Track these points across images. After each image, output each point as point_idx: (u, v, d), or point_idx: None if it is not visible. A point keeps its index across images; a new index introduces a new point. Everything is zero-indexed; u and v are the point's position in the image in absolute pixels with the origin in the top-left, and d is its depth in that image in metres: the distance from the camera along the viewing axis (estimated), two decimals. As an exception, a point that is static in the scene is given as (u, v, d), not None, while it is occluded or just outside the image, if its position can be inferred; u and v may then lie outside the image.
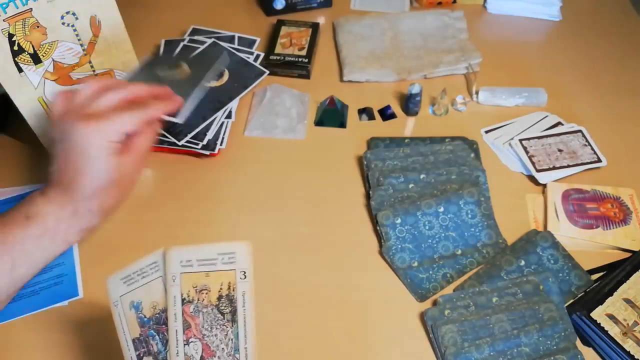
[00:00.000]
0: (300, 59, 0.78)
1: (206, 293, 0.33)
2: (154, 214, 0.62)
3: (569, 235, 0.59)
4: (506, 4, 0.89)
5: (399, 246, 0.57)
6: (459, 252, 0.58)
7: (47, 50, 0.60)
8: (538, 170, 0.65)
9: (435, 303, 0.54)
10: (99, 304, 0.55)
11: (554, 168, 0.65)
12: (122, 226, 0.61)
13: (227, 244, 0.33)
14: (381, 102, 0.75)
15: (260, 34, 0.84)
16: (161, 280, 0.33)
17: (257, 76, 0.75)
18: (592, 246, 0.59)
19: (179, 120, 0.49)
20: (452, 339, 0.50)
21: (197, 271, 0.32)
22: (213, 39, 0.80)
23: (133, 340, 0.34)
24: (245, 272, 0.33)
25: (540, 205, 0.63)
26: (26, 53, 0.58)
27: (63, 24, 0.60)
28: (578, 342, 0.51)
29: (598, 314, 0.51)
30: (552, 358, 0.48)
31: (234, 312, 0.33)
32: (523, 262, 0.56)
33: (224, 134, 0.68)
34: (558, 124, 0.71)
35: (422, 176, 0.62)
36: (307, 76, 0.78)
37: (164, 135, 0.65)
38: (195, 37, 0.81)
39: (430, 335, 0.52)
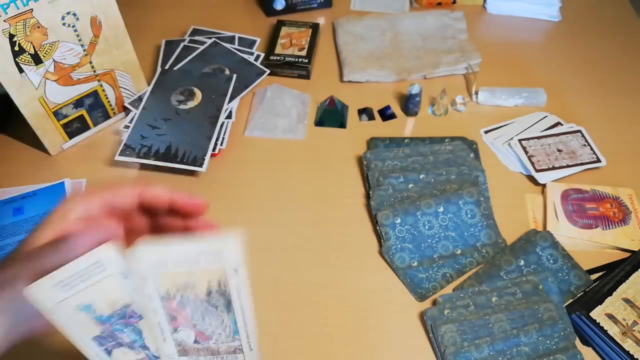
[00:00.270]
0: (300, 59, 0.78)
1: (190, 290, 0.30)
2: (154, 214, 0.62)
3: (568, 235, 0.59)
4: (506, 4, 0.90)
5: (399, 246, 0.58)
6: (459, 251, 0.58)
7: (48, 50, 0.60)
8: (537, 170, 0.65)
9: (434, 303, 0.54)
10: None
11: (553, 168, 0.65)
12: (122, 226, 0.61)
13: (211, 241, 0.30)
14: (381, 102, 0.75)
15: (261, 34, 0.84)
16: (115, 278, 0.29)
17: (257, 76, 0.75)
18: (591, 246, 0.59)
19: None
20: (451, 338, 0.50)
21: (175, 271, 0.29)
22: (214, 39, 0.80)
23: (93, 339, 0.31)
24: (236, 269, 0.30)
25: (540, 205, 0.63)
26: (27, 53, 0.58)
27: (64, 24, 0.60)
28: (577, 342, 0.51)
29: (597, 313, 0.51)
30: (551, 357, 0.48)
31: (228, 304, 0.31)
32: (522, 262, 0.56)
33: (224, 134, 0.68)
34: (557, 124, 0.71)
35: (421, 176, 0.62)
36: (307, 76, 0.78)
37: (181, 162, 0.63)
38: (196, 38, 0.81)
39: (430, 335, 0.52)
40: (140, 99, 0.71)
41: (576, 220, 0.60)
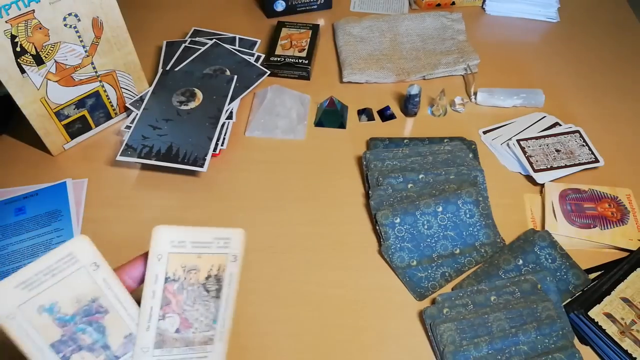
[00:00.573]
0: (300, 60, 0.78)
1: (195, 273, 0.32)
2: (155, 214, 0.63)
3: (567, 234, 0.59)
4: (504, 5, 0.90)
5: (398, 245, 0.58)
6: (458, 251, 0.58)
7: (50, 51, 0.61)
8: (536, 170, 0.65)
9: (434, 302, 0.55)
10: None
11: (552, 168, 0.65)
12: (122, 226, 0.61)
13: (224, 229, 0.33)
14: (380, 103, 0.76)
15: (261, 35, 0.85)
16: (84, 270, 0.29)
17: (258, 76, 0.75)
18: (589, 245, 0.59)
19: None
20: (450, 337, 0.50)
21: (189, 252, 0.32)
22: (214, 40, 0.80)
23: (52, 345, 0.29)
24: (236, 256, 0.33)
25: (538, 205, 0.63)
26: (28, 54, 0.59)
27: (65, 25, 0.60)
28: (576, 341, 0.51)
29: (596, 312, 0.51)
30: (550, 356, 0.49)
31: (219, 290, 0.33)
32: (521, 261, 0.57)
33: (225, 134, 0.69)
34: (556, 124, 0.72)
35: (421, 176, 0.62)
36: (307, 77, 0.79)
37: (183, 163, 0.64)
38: (197, 39, 0.82)
39: (429, 334, 0.52)
40: (141, 99, 0.71)
41: (574, 220, 0.60)
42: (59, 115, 0.66)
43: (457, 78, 0.80)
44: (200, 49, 0.79)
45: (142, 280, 0.32)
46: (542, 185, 0.64)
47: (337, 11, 0.91)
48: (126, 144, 0.65)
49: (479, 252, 0.59)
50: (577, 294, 0.54)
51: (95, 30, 0.63)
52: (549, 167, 0.65)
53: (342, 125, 0.73)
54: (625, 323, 0.51)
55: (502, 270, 0.56)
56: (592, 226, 0.60)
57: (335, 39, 0.85)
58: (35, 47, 0.59)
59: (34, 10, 0.57)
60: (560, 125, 0.71)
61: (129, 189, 0.65)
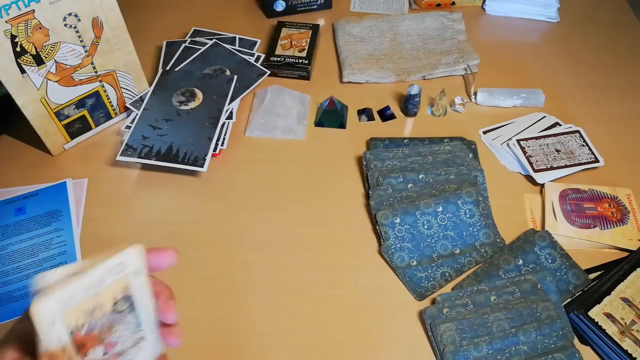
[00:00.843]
0: (300, 60, 0.78)
1: (98, 309, 0.29)
2: (155, 214, 0.63)
3: (567, 234, 0.59)
4: (504, 5, 0.90)
5: (398, 245, 0.58)
6: (458, 251, 0.58)
7: (50, 51, 0.61)
8: (536, 170, 0.65)
9: (434, 302, 0.55)
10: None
11: (552, 168, 0.65)
12: (122, 226, 0.61)
13: (113, 258, 0.29)
14: (380, 103, 0.76)
15: (261, 35, 0.85)
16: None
17: (258, 76, 0.75)
18: (589, 245, 0.59)
19: None
20: (450, 337, 0.50)
21: (83, 299, 0.28)
22: (214, 40, 0.80)
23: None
24: (138, 271, 0.30)
25: (538, 205, 0.63)
26: (28, 54, 0.59)
27: (65, 25, 0.60)
28: (576, 341, 0.51)
29: (596, 312, 0.51)
30: (550, 356, 0.49)
31: (132, 304, 0.31)
32: (521, 261, 0.57)
33: (225, 134, 0.69)
34: (555, 124, 0.72)
35: (420, 176, 0.62)
36: (307, 77, 0.79)
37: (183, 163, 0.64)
38: (197, 39, 0.82)
39: (429, 334, 0.52)
40: (141, 99, 0.71)
41: (574, 220, 0.60)
42: (59, 115, 0.66)
43: (457, 78, 0.80)
44: (200, 49, 0.79)
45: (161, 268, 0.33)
46: (542, 185, 0.64)
47: (337, 11, 0.91)
48: (126, 144, 0.65)
49: (479, 252, 0.59)
50: (577, 294, 0.54)
51: (95, 30, 0.63)
52: (549, 167, 0.65)
53: (342, 125, 0.73)
54: (625, 323, 0.51)
55: (502, 270, 0.56)
56: (592, 226, 0.60)
57: (335, 39, 0.85)
58: (35, 47, 0.59)
59: (34, 10, 0.57)
60: (560, 125, 0.71)
61: (129, 189, 0.65)
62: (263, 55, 0.80)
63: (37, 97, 0.62)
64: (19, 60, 0.58)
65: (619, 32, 0.88)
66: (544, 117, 0.73)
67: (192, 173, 0.66)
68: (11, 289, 0.56)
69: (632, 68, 0.81)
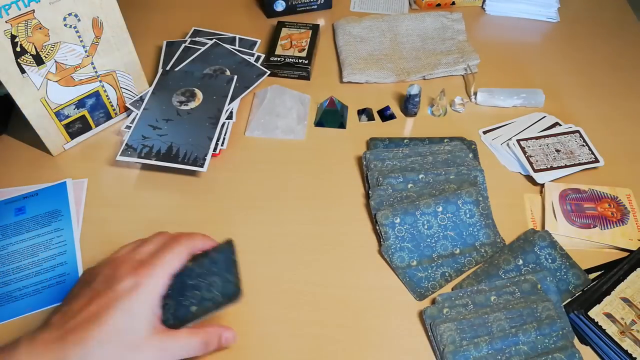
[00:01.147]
0: (300, 60, 0.78)
1: None
2: (156, 214, 0.63)
3: (567, 234, 0.59)
4: (504, 5, 0.90)
5: (398, 245, 0.58)
6: (458, 251, 0.58)
7: (50, 51, 0.61)
8: (536, 170, 0.65)
9: (434, 302, 0.55)
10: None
11: (552, 168, 0.65)
12: (124, 225, 0.61)
13: None
14: (380, 103, 0.76)
15: (261, 35, 0.85)
16: None
17: (258, 76, 0.75)
18: (589, 245, 0.59)
19: None
20: (450, 337, 0.50)
21: None
22: (214, 40, 0.81)
23: None
24: None
25: (538, 205, 0.63)
26: (28, 54, 0.59)
27: (65, 25, 0.60)
28: (576, 341, 0.52)
29: (596, 312, 0.52)
30: (550, 356, 0.49)
31: None
32: (521, 261, 0.57)
33: (225, 134, 0.69)
34: (556, 124, 0.72)
35: (420, 176, 0.62)
36: (307, 77, 0.79)
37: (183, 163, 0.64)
38: (197, 39, 0.82)
39: (429, 334, 0.52)
40: (141, 99, 0.71)
41: (574, 220, 0.60)
42: (59, 115, 0.66)
43: (457, 78, 0.80)
44: (200, 49, 0.79)
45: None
46: (542, 185, 0.64)
47: (337, 11, 0.91)
48: (126, 144, 0.65)
49: (479, 252, 0.59)
50: (577, 294, 0.54)
51: (95, 30, 0.63)
52: (549, 167, 0.65)
53: (342, 125, 0.73)
54: (625, 323, 0.51)
55: (502, 270, 0.56)
56: (592, 226, 0.60)
57: (335, 39, 0.85)
58: (35, 47, 0.59)
59: (34, 10, 0.57)
60: (560, 125, 0.71)
61: (129, 189, 0.65)
62: (263, 55, 0.80)
63: (37, 97, 0.62)
64: (19, 60, 0.58)
65: (619, 32, 0.88)
66: (544, 117, 0.73)
67: (192, 173, 0.67)
68: (11, 289, 0.56)
69: (632, 68, 0.81)
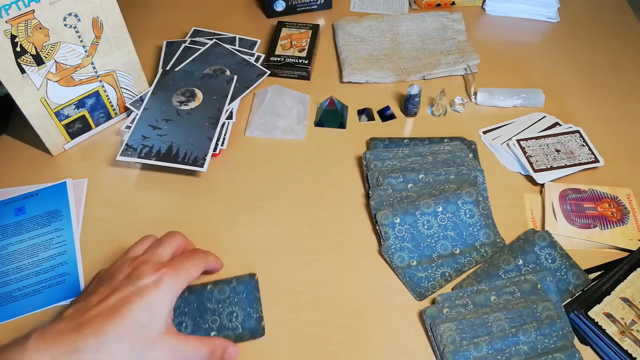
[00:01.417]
0: (300, 60, 0.78)
1: None
2: (156, 214, 0.63)
3: (567, 234, 0.59)
4: (504, 5, 0.90)
5: (398, 245, 0.58)
6: (458, 251, 0.58)
7: (50, 51, 0.61)
8: (536, 170, 0.65)
9: (433, 302, 0.55)
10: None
11: (552, 168, 0.65)
12: (124, 225, 0.61)
13: None
14: (380, 103, 0.76)
15: (261, 35, 0.85)
16: None
17: (258, 76, 0.75)
18: (589, 245, 0.59)
19: None
20: (450, 337, 0.50)
21: None
22: (214, 40, 0.81)
23: None
24: None
25: (538, 205, 0.63)
26: (28, 54, 0.59)
27: (65, 25, 0.60)
28: (576, 341, 0.52)
29: (596, 312, 0.52)
30: (550, 356, 0.49)
31: None
32: (521, 261, 0.57)
33: (225, 134, 0.69)
34: (556, 124, 0.72)
35: (420, 176, 0.62)
36: (307, 77, 0.79)
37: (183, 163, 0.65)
38: (197, 39, 0.82)
39: (429, 334, 0.52)
40: (141, 99, 0.71)
41: (574, 220, 0.60)
42: (59, 115, 0.66)
43: (457, 78, 0.80)
44: (200, 49, 0.79)
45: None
46: (542, 185, 0.64)
47: (337, 11, 0.91)
48: (126, 144, 0.65)
49: (479, 252, 0.59)
50: (577, 294, 0.54)
51: (95, 30, 0.63)
52: (549, 167, 0.65)
53: (342, 125, 0.73)
54: (625, 323, 0.51)
55: (502, 270, 0.56)
56: (592, 226, 0.60)
57: (335, 39, 0.85)
58: (35, 47, 0.59)
59: (34, 10, 0.57)
60: (560, 125, 0.71)
61: (129, 189, 0.65)
62: (263, 55, 0.80)
63: (37, 97, 0.62)
64: (19, 60, 0.58)
65: (619, 32, 0.88)
66: (544, 117, 0.73)
67: (192, 173, 0.67)
68: (11, 289, 0.56)
69: (632, 68, 0.81)
